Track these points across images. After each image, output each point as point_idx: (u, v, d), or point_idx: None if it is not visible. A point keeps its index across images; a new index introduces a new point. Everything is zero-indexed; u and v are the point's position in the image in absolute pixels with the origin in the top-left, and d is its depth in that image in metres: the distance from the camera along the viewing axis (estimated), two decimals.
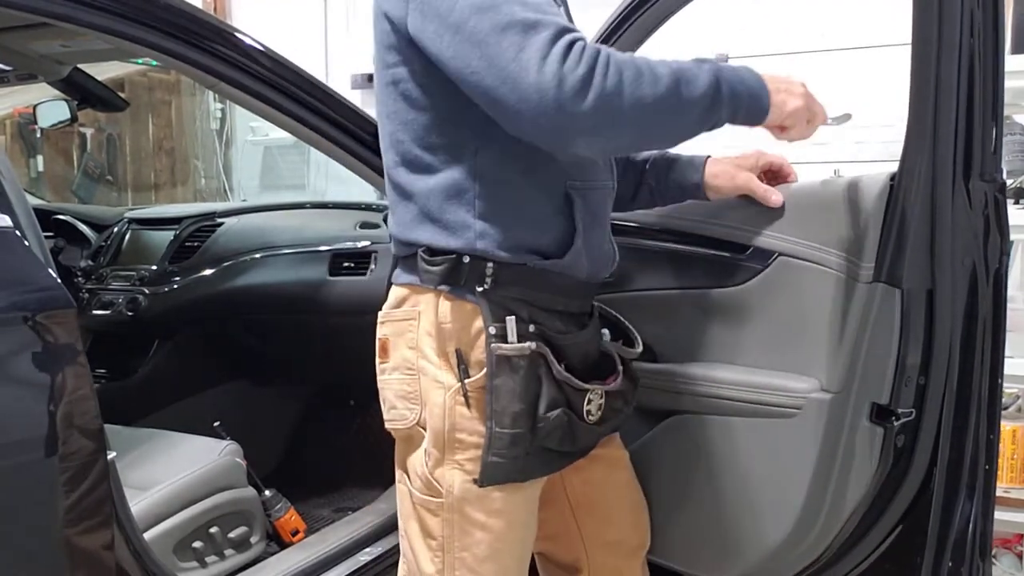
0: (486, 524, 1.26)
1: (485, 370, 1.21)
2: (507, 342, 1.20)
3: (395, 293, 1.30)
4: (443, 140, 1.21)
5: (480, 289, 1.20)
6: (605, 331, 1.38)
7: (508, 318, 1.20)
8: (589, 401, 1.27)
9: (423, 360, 1.24)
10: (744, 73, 1.19)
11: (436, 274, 1.22)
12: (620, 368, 1.34)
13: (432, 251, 1.22)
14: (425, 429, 1.26)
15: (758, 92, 1.20)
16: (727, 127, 1.21)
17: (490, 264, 1.20)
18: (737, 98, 1.17)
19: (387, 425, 1.33)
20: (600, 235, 1.31)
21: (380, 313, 1.31)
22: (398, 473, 1.34)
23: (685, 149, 1.52)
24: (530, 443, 1.23)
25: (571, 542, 1.46)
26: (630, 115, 1.10)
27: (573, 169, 1.25)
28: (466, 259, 1.20)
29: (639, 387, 1.57)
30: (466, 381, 1.21)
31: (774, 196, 1.41)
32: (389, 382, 1.29)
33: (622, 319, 1.42)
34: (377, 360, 1.32)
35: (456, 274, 1.21)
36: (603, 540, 1.46)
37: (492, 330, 1.20)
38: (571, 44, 1.08)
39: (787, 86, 1.23)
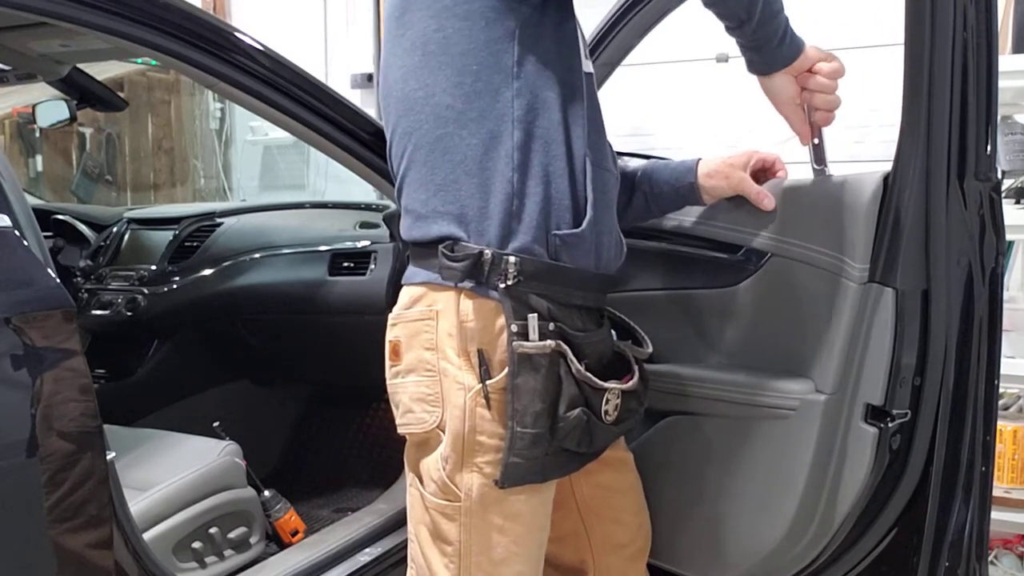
0: (504, 527, 1.25)
1: (507, 370, 1.19)
2: (528, 340, 1.19)
3: (408, 293, 1.28)
4: (481, 86, 1.20)
5: (502, 286, 1.19)
6: (612, 331, 1.38)
7: (530, 315, 1.19)
8: (607, 401, 1.27)
9: (444, 361, 1.22)
10: None
11: (458, 270, 1.19)
12: (635, 367, 1.34)
13: (454, 246, 1.21)
14: (444, 432, 1.24)
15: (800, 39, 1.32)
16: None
17: (511, 258, 1.19)
18: (788, 25, 1.29)
19: (401, 430, 1.30)
20: (610, 218, 1.31)
21: (391, 315, 1.29)
22: (409, 477, 1.32)
23: (683, 153, 1.54)
24: (549, 443, 1.22)
25: (578, 544, 1.46)
26: None
27: (591, 147, 1.26)
28: (487, 254, 1.19)
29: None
30: (488, 383, 1.20)
31: (766, 200, 1.42)
32: (404, 385, 1.27)
33: (628, 320, 1.41)
34: (388, 363, 1.30)
35: (478, 270, 1.19)
36: (611, 542, 1.46)
37: (514, 328, 1.19)
38: None
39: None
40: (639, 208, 1.50)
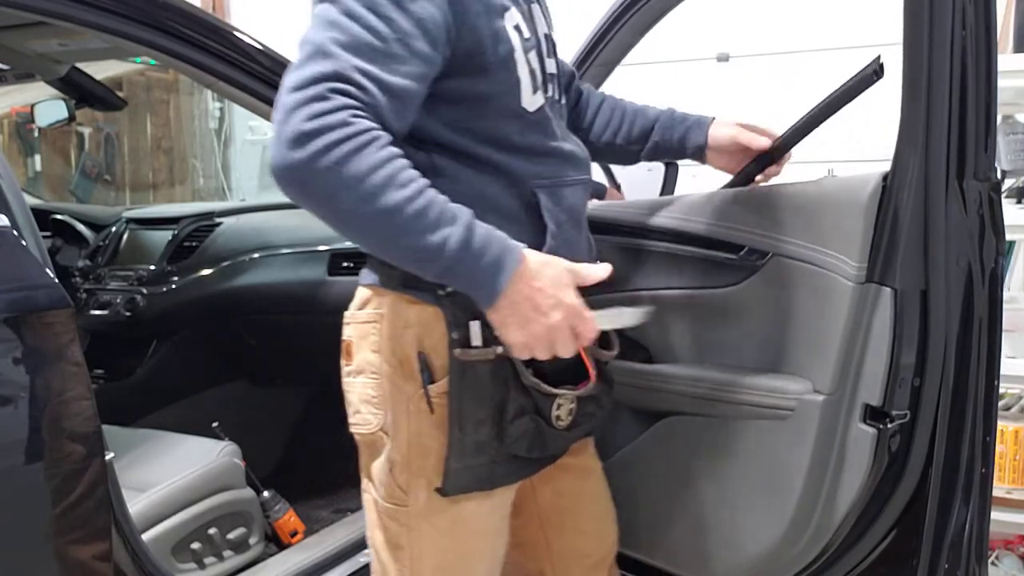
0: (454, 532, 1.23)
1: (448, 376, 1.17)
2: (471, 346, 1.16)
3: (359, 294, 1.26)
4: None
5: (442, 292, 1.16)
6: None
7: (472, 322, 1.15)
8: (559, 406, 1.24)
9: (387, 365, 1.20)
10: (503, 264, 1.07)
11: (397, 277, 1.18)
12: (593, 372, 1.29)
13: None
14: (388, 435, 1.22)
15: (494, 282, 1.07)
16: None
17: None
18: (467, 259, 1.05)
19: (351, 429, 1.29)
20: (575, 232, 1.27)
21: (345, 314, 1.28)
22: (364, 482, 1.30)
23: None
24: (497, 450, 1.21)
25: (537, 552, 1.43)
26: (338, 204, 1.02)
27: (540, 167, 1.22)
28: None
29: (636, 388, 1.58)
30: (429, 387, 1.18)
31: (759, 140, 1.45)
32: (353, 385, 1.25)
33: None
34: (342, 362, 1.29)
35: (416, 277, 1.13)
36: (571, 551, 1.43)
37: (455, 335, 1.16)
38: (339, 94, 1.01)
39: (529, 317, 1.09)
40: (648, 155, 1.52)
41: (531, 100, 1.20)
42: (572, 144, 1.29)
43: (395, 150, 1.04)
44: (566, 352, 1.12)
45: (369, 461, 1.27)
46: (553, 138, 1.25)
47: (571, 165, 1.27)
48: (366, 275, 1.25)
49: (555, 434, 1.25)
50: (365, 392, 1.24)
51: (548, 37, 1.27)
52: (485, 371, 1.17)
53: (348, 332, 1.27)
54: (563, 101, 1.33)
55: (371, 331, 1.22)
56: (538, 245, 1.18)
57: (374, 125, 1.03)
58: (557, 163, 1.25)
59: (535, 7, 1.25)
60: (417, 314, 1.19)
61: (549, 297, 1.09)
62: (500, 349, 1.16)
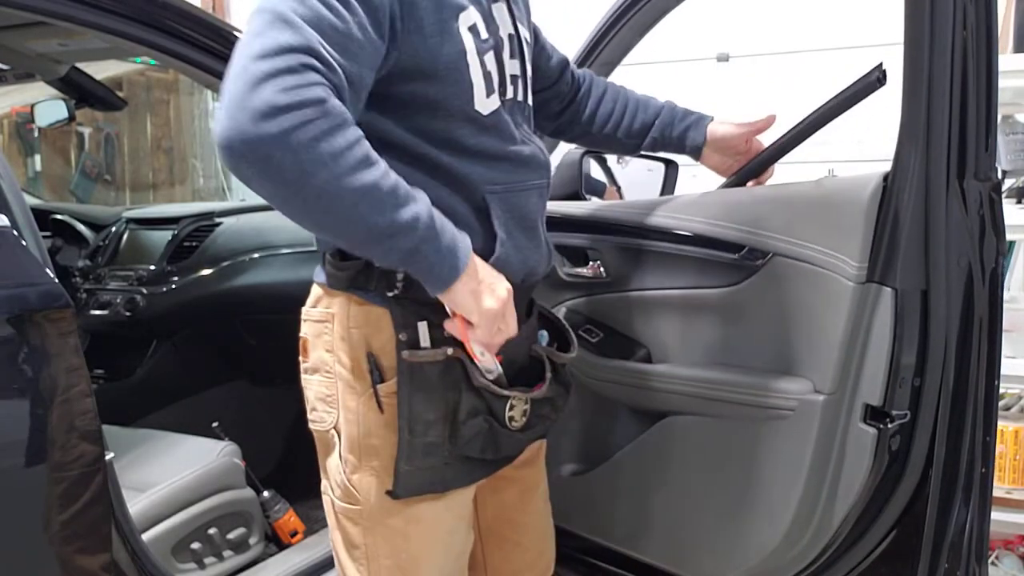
0: (407, 532, 1.22)
1: (397, 377, 1.17)
2: (420, 348, 1.16)
3: (313, 291, 1.25)
4: None
5: (390, 294, 1.16)
6: (544, 332, 1.34)
7: (420, 323, 1.15)
8: (511, 407, 1.23)
9: (339, 364, 1.20)
10: (458, 243, 1.09)
11: (344, 279, 1.18)
12: (548, 375, 1.28)
13: (343, 254, 1.18)
14: (340, 434, 1.22)
15: (455, 258, 1.08)
16: None
17: (399, 273, 1.14)
18: (433, 238, 1.05)
19: (309, 425, 1.28)
20: (529, 237, 1.25)
21: (302, 310, 1.27)
22: (323, 482, 1.29)
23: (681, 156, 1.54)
24: (449, 452, 1.20)
25: (475, 563, 1.41)
26: (303, 181, 0.99)
27: (493, 171, 1.19)
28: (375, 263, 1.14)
29: (636, 388, 1.58)
30: (378, 386, 1.17)
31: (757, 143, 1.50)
32: (310, 382, 1.25)
33: (562, 320, 1.38)
34: (300, 358, 1.27)
35: (364, 279, 1.16)
36: (510, 565, 1.43)
37: (403, 336, 1.16)
38: (311, 70, 0.97)
39: (492, 286, 1.12)
40: (646, 149, 1.55)
41: (485, 103, 1.18)
42: (532, 147, 1.27)
43: (360, 131, 1.02)
44: (513, 328, 1.15)
45: (324, 459, 1.27)
46: (511, 142, 1.22)
47: (528, 169, 1.25)
48: (318, 272, 1.25)
49: (509, 435, 1.25)
50: (320, 390, 1.23)
51: (513, 37, 1.23)
52: (434, 372, 1.17)
53: (304, 329, 1.26)
54: (529, 101, 1.30)
55: (324, 330, 1.22)
56: (488, 251, 1.18)
57: (342, 105, 1.00)
58: (512, 167, 1.22)
59: (498, 6, 1.21)
60: (365, 315, 1.18)
61: (493, 272, 1.14)
62: (451, 350, 1.15)
